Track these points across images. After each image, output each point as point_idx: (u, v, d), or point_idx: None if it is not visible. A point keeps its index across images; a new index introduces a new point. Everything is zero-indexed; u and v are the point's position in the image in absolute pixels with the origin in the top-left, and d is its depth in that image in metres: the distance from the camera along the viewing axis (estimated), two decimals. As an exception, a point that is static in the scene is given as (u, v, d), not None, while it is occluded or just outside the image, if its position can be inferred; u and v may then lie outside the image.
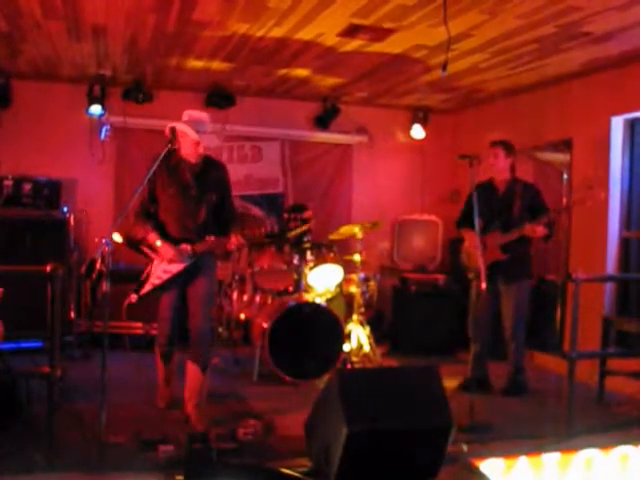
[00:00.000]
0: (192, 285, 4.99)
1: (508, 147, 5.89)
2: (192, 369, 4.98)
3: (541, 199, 5.94)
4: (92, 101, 7.79)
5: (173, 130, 4.65)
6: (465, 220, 6.01)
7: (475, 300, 5.96)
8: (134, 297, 4.94)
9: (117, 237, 4.85)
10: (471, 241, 5.85)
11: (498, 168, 5.83)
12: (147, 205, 4.97)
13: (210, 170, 5.02)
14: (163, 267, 4.93)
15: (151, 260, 5.00)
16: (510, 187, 5.88)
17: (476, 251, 5.17)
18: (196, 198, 4.92)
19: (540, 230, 5.64)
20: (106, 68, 7.33)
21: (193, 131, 4.77)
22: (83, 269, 4.13)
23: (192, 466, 2.59)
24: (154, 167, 4.54)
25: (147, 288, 4.95)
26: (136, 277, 5.04)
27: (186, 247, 4.88)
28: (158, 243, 4.87)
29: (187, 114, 4.92)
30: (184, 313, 5.07)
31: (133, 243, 4.97)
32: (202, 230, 4.93)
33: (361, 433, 3.52)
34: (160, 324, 5.08)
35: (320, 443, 3.77)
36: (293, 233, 6.65)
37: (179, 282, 4.96)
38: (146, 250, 4.96)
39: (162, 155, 4.56)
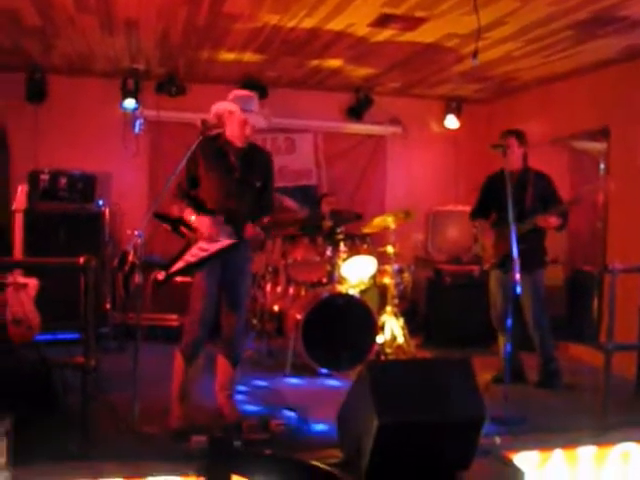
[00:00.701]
0: (229, 279, 4.68)
1: (520, 136, 5.81)
2: (223, 363, 4.80)
3: (554, 188, 5.86)
4: (126, 95, 7.87)
5: (205, 123, 4.62)
6: (479, 211, 6.05)
7: (496, 291, 5.93)
8: (162, 274, 4.67)
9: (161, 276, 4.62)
10: (484, 232, 5.95)
11: (511, 158, 5.71)
12: (184, 186, 4.68)
13: (255, 155, 4.79)
14: (200, 245, 4.51)
15: (189, 242, 4.57)
16: (522, 177, 5.80)
17: (506, 241, 5.11)
18: (239, 180, 4.66)
19: (553, 220, 5.58)
20: (139, 62, 7.39)
21: (239, 109, 4.57)
22: (115, 261, 4.13)
23: (215, 455, 2.60)
24: (186, 158, 4.48)
25: (179, 265, 4.50)
26: (169, 268, 4.90)
27: (227, 227, 4.55)
28: (193, 218, 4.51)
29: (233, 93, 4.74)
30: (217, 305, 4.72)
31: (171, 222, 4.59)
32: (242, 213, 4.62)
33: (392, 425, 3.50)
34: (193, 303, 4.59)
35: (351, 435, 3.76)
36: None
37: (217, 268, 4.60)
38: (184, 230, 4.57)
39: (194, 147, 4.51)
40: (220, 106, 4.67)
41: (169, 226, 4.55)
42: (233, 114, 4.61)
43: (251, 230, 4.59)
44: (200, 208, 4.57)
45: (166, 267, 4.53)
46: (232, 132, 4.68)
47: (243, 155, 4.71)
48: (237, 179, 4.65)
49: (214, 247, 4.49)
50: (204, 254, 4.49)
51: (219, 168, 4.65)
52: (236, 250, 4.59)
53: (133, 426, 4.27)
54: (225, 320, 4.76)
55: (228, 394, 4.82)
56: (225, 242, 4.50)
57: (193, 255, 4.49)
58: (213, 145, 4.69)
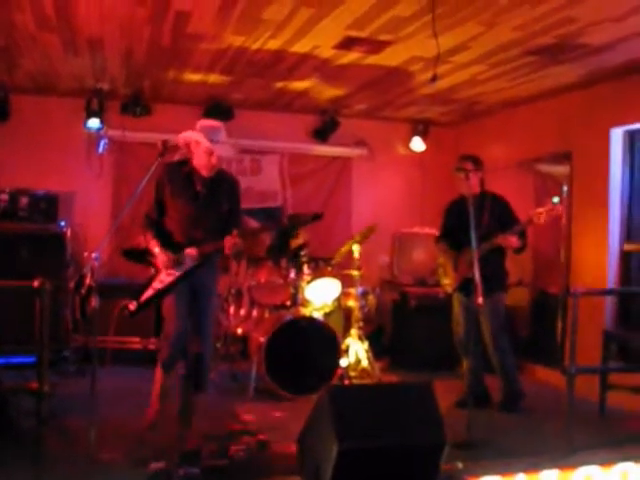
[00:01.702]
0: (197, 303, 4.89)
1: (476, 162, 5.88)
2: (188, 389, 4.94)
3: (510, 211, 5.94)
4: (90, 114, 7.77)
5: (164, 143, 4.60)
6: (444, 236, 6.13)
7: (459, 314, 5.95)
8: (133, 304, 4.72)
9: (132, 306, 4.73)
10: (445, 255, 6.06)
11: (468, 183, 5.73)
12: (152, 214, 4.86)
13: (221, 182, 4.93)
14: (165, 272, 4.75)
15: (157, 271, 4.81)
16: (479, 200, 5.83)
17: (471, 266, 5.11)
18: (204, 208, 4.83)
19: (514, 240, 5.62)
20: (104, 81, 7.33)
21: (206, 139, 4.68)
22: (72, 284, 4.09)
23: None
24: (145, 180, 4.48)
25: (149, 293, 4.75)
26: (129, 290, 4.95)
27: (190, 251, 4.74)
28: (156, 250, 4.75)
29: (200, 123, 4.85)
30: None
31: (138, 255, 4.85)
32: (207, 239, 4.79)
33: (352, 450, 3.45)
34: (166, 324, 4.86)
35: (312, 460, 3.71)
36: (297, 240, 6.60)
37: (184, 291, 4.81)
38: (152, 260, 4.81)
39: (153, 167, 4.52)
40: (187, 135, 4.78)
41: (137, 261, 4.80)
42: (199, 144, 4.72)
43: (230, 242, 4.68)
44: (165, 240, 4.78)
45: (135, 296, 4.72)
46: (199, 161, 4.79)
47: (209, 183, 4.84)
48: (202, 207, 4.81)
49: (177, 272, 4.72)
50: (170, 279, 4.72)
51: (184, 196, 4.81)
52: (202, 269, 4.79)
53: (90, 452, 4.17)
54: (190, 344, 4.88)
55: (190, 421, 4.93)
56: (184, 268, 4.72)
57: (160, 282, 4.74)
58: (179, 173, 4.83)
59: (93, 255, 4.08)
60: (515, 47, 5.60)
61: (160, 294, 4.76)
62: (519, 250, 5.77)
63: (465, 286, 5.61)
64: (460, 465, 4.19)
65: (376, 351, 6.97)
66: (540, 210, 5.44)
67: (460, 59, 5.95)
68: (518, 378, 5.95)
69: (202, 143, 4.70)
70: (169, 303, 4.81)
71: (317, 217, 6.26)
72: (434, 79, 5.11)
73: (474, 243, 5.06)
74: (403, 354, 7.68)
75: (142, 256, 4.82)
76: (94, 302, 4.09)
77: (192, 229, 4.81)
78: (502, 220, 5.77)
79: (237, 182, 5.12)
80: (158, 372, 4.96)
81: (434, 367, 7.24)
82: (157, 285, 4.74)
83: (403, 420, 3.65)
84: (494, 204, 5.85)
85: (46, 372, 3.99)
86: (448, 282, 6.01)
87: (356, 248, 6.82)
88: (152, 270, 4.82)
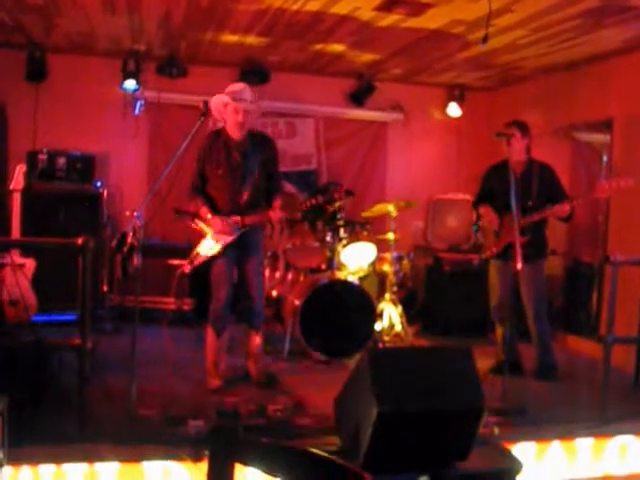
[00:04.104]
0: (244, 259, 5.19)
1: (523, 127, 5.75)
2: (252, 335, 5.33)
3: (558, 180, 5.84)
4: (126, 76, 7.79)
5: (206, 103, 4.63)
6: (481, 200, 5.98)
7: (496, 281, 5.89)
8: (187, 267, 5.12)
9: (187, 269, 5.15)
10: (489, 217, 5.83)
11: (514, 149, 5.64)
12: (197, 183, 5.16)
13: (257, 147, 5.15)
14: (215, 238, 5.07)
15: (204, 234, 5.15)
16: (527, 168, 5.75)
17: (512, 231, 5.07)
18: (244, 176, 5.07)
19: (567, 209, 5.53)
20: (140, 43, 7.33)
21: (231, 98, 4.93)
22: (114, 243, 4.17)
23: (217, 442, 2.55)
24: (186, 141, 4.49)
25: (201, 259, 5.10)
26: (168, 251, 5.07)
27: (236, 219, 5.05)
28: (209, 216, 5.05)
29: (228, 88, 5.06)
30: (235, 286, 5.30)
31: (188, 217, 5.16)
32: (250, 204, 5.12)
33: (391, 413, 3.46)
34: (216, 290, 5.14)
35: (350, 422, 3.73)
36: (329, 208, 6.59)
37: (231, 255, 5.11)
38: (200, 224, 5.14)
39: (195, 129, 4.55)
40: (215, 100, 4.98)
41: (188, 221, 5.15)
42: (227, 106, 4.98)
43: (277, 215, 5.17)
44: (212, 206, 5.11)
45: (190, 261, 5.16)
46: (230, 125, 5.05)
47: (245, 148, 5.10)
48: (241, 175, 5.08)
49: (226, 240, 5.05)
50: (222, 243, 5.05)
51: (223, 165, 5.08)
52: (246, 233, 5.09)
53: (130, 409, 4.24)
54: (246, 293, 5.25)
55: (255, 359, 5.36)
56: (233, 236, 5.04)
57: (210, 248, 5.08)
58: (216, 142, 5.10)
59: (135, 214, 4.10)
60: (559, 10, 5.48)
61: (213, 258, 5.09)
62: (567, 219, 5.69)
63: (505, 252, 5.57)
64: (497, 430, 4.20)
65: (408, 316, 6.97)
66: (604, 184, 5.35)
67: (502, 22, 5.83)
68: (553, 348, 5.92)
69: (229, 104, 4.95)
70: (219, 268, 5.12)
71: (350, 194, 6.38)
72: (485, 40, 5.05)
73: (515, 209, 5.01)
74: (435, 320, 7.68)
75: (192, 218, 5.14)
76: (136, 261, 4.12)
77: (234, 196, 5.09)
78: (551, 191, 5.70)
79: (274, 143, 5.39)
80: (210, 335, 5.21)
81: (465, 333, 7.25)
82: (208, 252, 5.08)
83: (443, 384, 3.64)
84: (543, 173, 5.76)
85: (88, 329, 4.04)
86: (488, 246, 5.92)
87: (392, 212, 6.79)
88: (190, 233, 5.26)
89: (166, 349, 5.21)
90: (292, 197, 7.05)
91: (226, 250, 5.06)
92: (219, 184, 5.11)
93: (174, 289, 5.44)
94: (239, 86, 5.10)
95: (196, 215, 5.15)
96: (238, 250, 5.13)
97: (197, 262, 5.11)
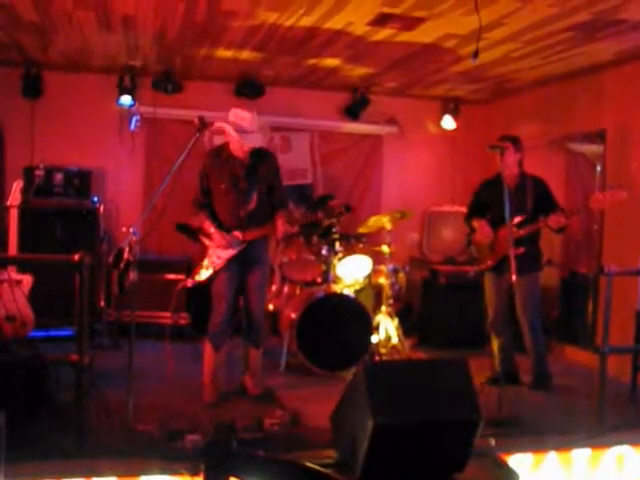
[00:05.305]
0: (248, 273, 5.25)
1: (516, 142, 5.83)
2: (251, 350, 5.39)
3: (551, 193, 5.90)
4: (122, 91, 7.83)
5: (202, 119, 4.65)
6: (473, 214, 6.05)
7: (491, 293, 5.93)
8: (190, 282, 5.29)
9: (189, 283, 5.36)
10: (483, 230, 5.88)
11: (507, 163, 5.73)
12: (200, 197, 5.25)
13: (260, 163, 5.20)
14: (217, 253, 5.17)
15: (206, 248, 5.26)
16: (521, 182, 5.82)
17: (506, 244, 5.12)
18: (246, 191, 5.14)
19: (563, 220, 5.57)
20: (136, 58, 7.36)
21: (234, 132, 4.97)
22: (110, 258, 4.20)
23: (212, 457, 2.58)
24: (182, 156, 4.52)
25: (206, 274, 5.20)
26: (164, 266, 5.12)
27: (237, 234, 5.13)
28: (212, 230, 5.15)
29: (232, 113, 5.09)
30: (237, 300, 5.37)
31: (191, 232, 5.32)
32: (253, 219, 5.18)
33: (387, 425, 3.48)
34: (217, 304, 5.19)
35: (346, 435, 3.74)
36: (327, 222, 6.62)
37: (234, 268, 5.17)
38: (203, 238, 5.25)
39: (190, 143, 4.57)
40: (220, 125, 5.05)
41: (190, 237, 5.33)
42: (231, 135, 5.04)
43: (281, 229, 5.23)
44: (215, 220, 5.20)
45: (191, 276, 5.35)
46: (233, 146, 5.12)
47: (249, 166, 5.16)
48: (244, 190, 5.14)
49: (228, 254, 5.14)
50: (220, 261, 5.15)
51: (226, 180, 5.15)
52: (250, 247, 5.18)
53: (127, 424, 4.25)
54: (248, 307, 5.32)
55: (253, 373, 5.41)
56: (235, 250, 5.13)
57: (213, 263, 5.18)
58: (219, 158, 5.20)
59: (131, 230, 4.13)
60: (551, 24, 5.52)
61: (214, 275, 5.18)
62: (561, 230, 5.73)
63: (500, 265, 5.61)
64: (493, 442, 4.21)
65: (405, 328, 6.99)
66: (599, 196, 5.40)
67: (494, 36, 5.87)
68: (547, 359, 5.95)
69: (232, 136, 5.01)
70: (221, 282, 5.18)
71: (348, 210, 6.43)
72: (476, 55, 5.07)
73: (509, 221, 5.05)
74: (431, 332, 7.69)
75: (194, 233, 5.29)
76: (133, 276, 4.14)
77: (237, 211, 5.16)
78: (544, 203, 5.74)
79: (275, 158, 5.42)
80: (208, 350, 5.23)
81: (462, 345, 7.25)
82: (210, 267, 5.17)
83: (439, 396, 3.67)
84: (536, 186, 5.82)
85: (86, 344, 4.05)
86: (482, 259, 5.97)
87: (387, 224, 6.82)
88: (187, 248, 5.15)
89: (166, 364, 5.24)
90: (288, 211, 7.05)
91: (228, 264, 5.13)
92: (222, 199, 5.19)
93: (174, 304, 5.46)
94: (244, 116, 5.05)
95: (199, 229, 5.25)
96: (242, 264, 5.19)
97: (203, 277, 5.20)
